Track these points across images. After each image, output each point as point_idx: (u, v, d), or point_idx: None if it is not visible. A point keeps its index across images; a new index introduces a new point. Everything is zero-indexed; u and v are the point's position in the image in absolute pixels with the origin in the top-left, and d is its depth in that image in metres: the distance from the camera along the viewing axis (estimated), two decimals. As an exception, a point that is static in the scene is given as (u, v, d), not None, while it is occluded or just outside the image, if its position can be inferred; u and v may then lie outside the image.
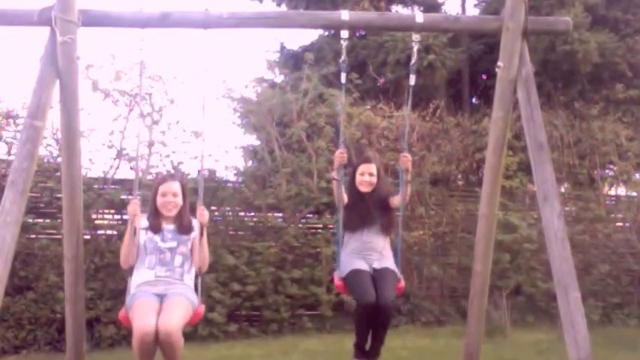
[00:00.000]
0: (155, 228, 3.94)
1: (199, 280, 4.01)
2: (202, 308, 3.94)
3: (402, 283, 4.21)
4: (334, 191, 4.41)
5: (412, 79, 4.12)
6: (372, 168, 4.43)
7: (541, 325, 7.66)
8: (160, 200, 4.01)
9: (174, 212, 4.02)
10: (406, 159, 4.24)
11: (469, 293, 4.48)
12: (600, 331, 6.77)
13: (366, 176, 4.40)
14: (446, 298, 8.39)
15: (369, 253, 4.24)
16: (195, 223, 4.04)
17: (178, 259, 3.92)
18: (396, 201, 4.36)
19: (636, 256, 8.76)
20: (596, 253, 8.70)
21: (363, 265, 4.14)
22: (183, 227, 4.00)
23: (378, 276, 4.10)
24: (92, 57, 7.19)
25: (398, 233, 4.39)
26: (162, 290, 3.78)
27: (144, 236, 3.90)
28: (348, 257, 4.22)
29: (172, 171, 7.40)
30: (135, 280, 3.85)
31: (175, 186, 4.05)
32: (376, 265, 4.19)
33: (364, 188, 4.39)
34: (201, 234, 3.98)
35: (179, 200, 4.04)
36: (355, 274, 4.06)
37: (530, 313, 8.08)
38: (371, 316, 3.93)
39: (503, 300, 7.46)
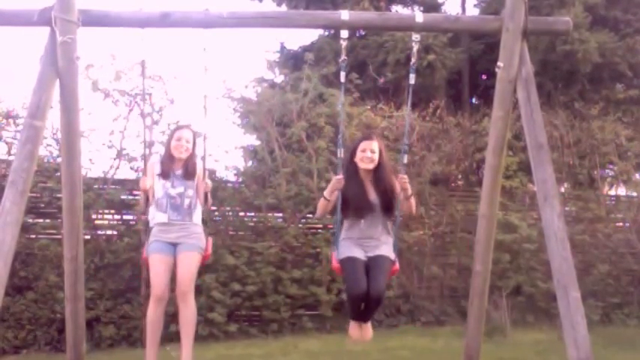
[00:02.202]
0: (165, 174, 4.51)
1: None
2: (208, 251, 4.56)
3: (397, 266, 4.19)
4: (319, 208, 4.28)
5: (412, 79, 4.08)
6: (374, 145, 4.23)
7: (541, 325, 7.66)
8: (174, 143, 4.56)
9: (184, 155, 4.56)
10: (404, 181, 4.12)
11: (469, 293, 4.49)
12: (600, 331, 6.77)
13: (368, 152, 4.20)
14: (446, 298, 8.39)
15: (367, 241, 4.17)
16: (199, 168, 4.64)
17: (186, 202, 4.52)
18: (404, 207, 4.23)
19: (636, 256, 8.76)
20: (596, 253, 8.70)
21: (358, 253, 4.09)
22: (189, 172, 4.57)
23: (372, 264, 4.05)
24: (92, 57, 7.19)
25: (396, 216, 4.28)
26: (175, 238, 4.44)
27: (157, 182, 4.50)
28: (345, 242, 4.18)
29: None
30: (151, 217, 4.53)
31: (188, 134, 4.65)
32: (372, 252, 4.13)
33: (365, 164, 4.19)
34: (206, 199, 4.62)
35: (190, 146, 4.61)
36: (349, 261, 4.04)
37: (530, 313, 8.07)
38: (362, 300, 3.95)
39: (503, 300, 7.46)
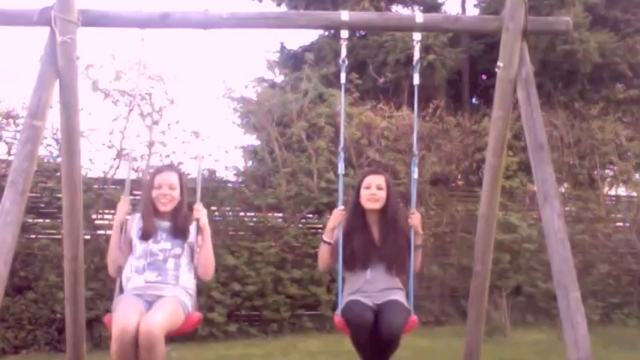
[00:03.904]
0: (147, 233, 3.56)
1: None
2: (198, 315, 3.57)
3: (414, 317, 3.61)
4: (320, 258, 3.78)
5: (416, 78, 3.93)
6: (381, 180, 3.80)
7: (541, 325, 7.66)
8: (154, 193, 3.61)
9: (169, 207, 3.61)
10: (415, 217, 3.72)
11: (469, 293, 4.48)
12: (600, 331, 6.77)
13: (373, 189, 3.76)
14: (446, 298, 8.39)
15: (372, 293, 3.64)
16: (193, 226, 3.65)
17: (171, 263, 3.54)
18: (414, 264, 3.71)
19: (636, 256, 8.75)
20: (596, 253, 8.69)
21: (364, 300, 3.59)
22: (179, 227, 3.59)
23: (381, 308, 3.52)
24: (92, 57, 7.19)
25: (410, 272, 3.68)
26: (153, 298, 3.43)
27: (135, 239, 3.59)
28: (347, 297, 3.68)
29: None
30: (125, 280, 3.59)
31: (172, 177, 3.65)
32: (380, 300, 3.61)
33: (370, 204, 3.75)
34: (201, 235, 3.60)
35: (176, 194, 3.62)
36: (352, 303, 3.55)
37: (530, 313, 8.07)
38: (369, 341, 3.42)
39: (503, 300, 7.46)
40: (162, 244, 3.59)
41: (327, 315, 7.54)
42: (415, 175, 3.90)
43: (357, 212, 3.80)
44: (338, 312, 3.64)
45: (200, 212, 3.63)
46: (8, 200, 3.46)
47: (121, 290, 3.61)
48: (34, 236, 6.80)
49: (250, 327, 7.34)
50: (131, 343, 3.11)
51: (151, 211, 3.65)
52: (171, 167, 4.03)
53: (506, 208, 8.29)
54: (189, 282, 3.60)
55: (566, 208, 8.90)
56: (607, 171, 9.99)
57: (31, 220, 6.69)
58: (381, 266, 3.71)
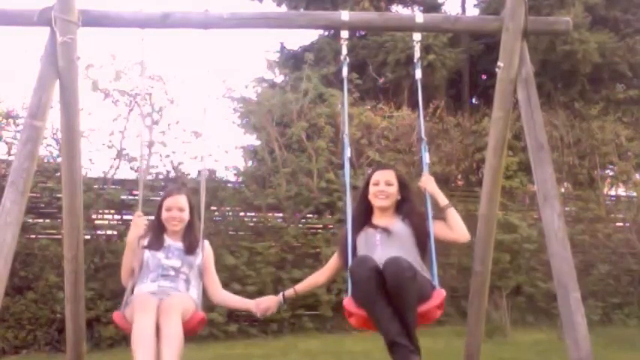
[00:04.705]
0: (157, 245, 3.76)
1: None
2: (202, 315, 3.73)
3: (441, 291, 3.34)
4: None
5: (418, 73, 3.87)
6: (390, 175, 3.57)
7: (541, 325, 7.66)
8: (164, 215, 3.84)
9: (179, 227, 3.85)
10: (427, 179, 3.52)
11: (469, 293, 4.48)
12: (600, 331, 6.76)
13: (382, 185, 3.52)
14: (446, 298, 8.38)
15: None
16: (206, 247, 3.89)
17: (182, 279, 3.74)
18: (439, 231, 3.48)
19: (636, 256, 8.75)
20: (596, 253, 8.70)
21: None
22: (190, 246, 3.81)
23: (385, 262, 3.12)
24: (92, 57, 7.20)
25: (431, 246, 3.39)
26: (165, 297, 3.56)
27: (146, 253, 3.74)
28: None
29: (172, 171, 7.39)
30: (136, 292, 3.67)
31: (182, 200, 3.87)
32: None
33: (379, 201, 3.52)
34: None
35: (185, 215, 3.86)
36: (355, 260, 3.28)
37: (530, 313, 8.07)
38: (376, 287, 3.03)
39: (503, 300, 7.45)
40: (174, 261, 3.76)
41: (327, 315, 7.54)
42: (427, 159, 3.75)
43: (363, 210, 3.60)
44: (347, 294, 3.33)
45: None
46: (8, 200, 3.45)
47: (132, 292, 3.73)
48: (34, 236, 6.80)
49: (250, 327, 7.34)
50: (153, 311, 3.32)
51: (159, 230, 3.86)
52: (180, 190, 4.08)
53: (506, 208, 8.29)
54: (196, 295, 3.81)
55: (566, 208, 8.90)
56: (607, 171, 10.00)
57: (31, 220, 6.69)
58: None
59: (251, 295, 7.26)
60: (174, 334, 3.29)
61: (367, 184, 3.64)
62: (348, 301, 3.29)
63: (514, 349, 6.44)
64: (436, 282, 3.44)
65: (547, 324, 7.53)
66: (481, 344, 4.51)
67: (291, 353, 6.33)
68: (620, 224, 9.33)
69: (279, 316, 7.37)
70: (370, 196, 3.59)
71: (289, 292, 3.96)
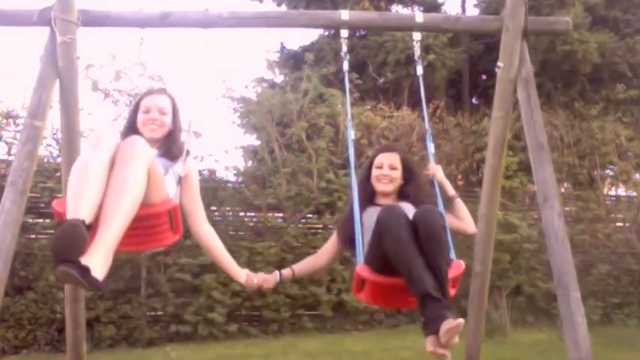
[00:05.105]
0: None
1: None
2: (175, 203, 2.89)
3: (460, 262, 3.22)
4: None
5: (419, 69, 3.82)
6: (394, 159, 3.36)
7: (541, 325, 7.66)
8: (141, 118, 3.05)
9: (159, 134, 3.06)
10: (434, 167, 3.42)
11: (469, 293, 4.48)
12: (600, 331, 6.77)
13: (385, 169, 3.31)
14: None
15: None
16: (190, 163, 3.10)
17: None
18: (455, 223, 3.37)
19: (636, 256, 8.75)
20: (596, 253, 8.70)
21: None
22: (169, 152, 3.01)
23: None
24: (92, 57, 7.19)
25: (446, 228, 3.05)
26: None
27: None
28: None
29: None
30: None
31: (163, 100, 3.13)
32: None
33: (382, 186, 3.31)
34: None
35: (166, 119, 3.08)
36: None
37: (530, 313, 8.07)
38: (412, 241, 2.79)
39: (503, 300, 7.46)
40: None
41: (327, 315, 7.54)
42: (432, 149, 3.66)
43: (365, 191, 3.32)
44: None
45: None
46: (8, 200, 3.45)
47: None
48: (34, 236, 6.81)
49: (250, 327, 7.34)
50: (103, 162, 2.53)
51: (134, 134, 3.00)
52: (161, 90, 3.40)
53: (506, 208, 8.28)
54: (173, 194, 3.02)
55: (566, 208, 8.90)
56: (607, 171, 10.00)
57: (31, 220, 6.70)
58: None
59: (251, 296, 7.31)
60: (128, 179, 2.48)
61: (370, 165, 3.41)
62: (362, 268, 2.94)
63: (514, 349, 6.45)
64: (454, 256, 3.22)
65: (547, 324, 7.53)
66: (481, 344, 4.52)
67: (291, 353, 6.33)
68: (620, 224, 9.33)
69: (279, 316, 7.37)
70: (372, 179, 3.36)
71: (287, 271, 3.51)
